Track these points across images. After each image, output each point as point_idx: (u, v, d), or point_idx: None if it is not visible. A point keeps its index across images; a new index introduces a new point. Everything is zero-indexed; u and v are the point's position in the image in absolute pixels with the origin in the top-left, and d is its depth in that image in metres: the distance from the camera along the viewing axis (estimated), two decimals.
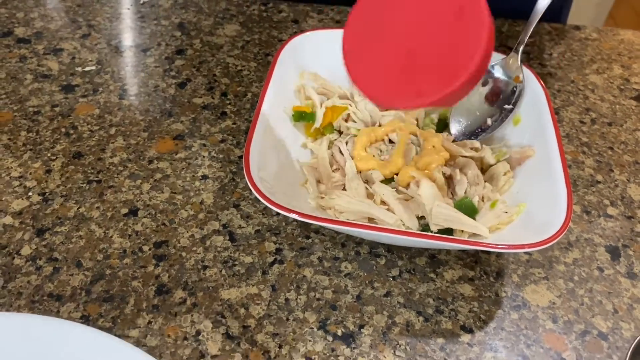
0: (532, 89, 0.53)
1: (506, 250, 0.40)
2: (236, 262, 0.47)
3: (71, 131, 0.56)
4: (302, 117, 0.53)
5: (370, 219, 0.47)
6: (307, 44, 0.56)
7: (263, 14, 0.72)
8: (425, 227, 0.46)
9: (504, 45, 0.69)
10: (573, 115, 0.62)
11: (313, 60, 0.56)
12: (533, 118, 0.51)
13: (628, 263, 0.49)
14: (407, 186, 0.48)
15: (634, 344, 0.39)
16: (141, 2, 0.73)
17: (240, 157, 0.55)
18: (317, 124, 0.53)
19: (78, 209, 0.50)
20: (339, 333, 0.43)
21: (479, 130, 0.53)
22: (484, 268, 0.48)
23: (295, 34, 0.58)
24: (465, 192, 0.48)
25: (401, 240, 0.45)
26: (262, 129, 0.47)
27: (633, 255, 0.49)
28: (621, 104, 0.64)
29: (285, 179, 0.49)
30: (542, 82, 0.52)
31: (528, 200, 0.46)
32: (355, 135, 0.52)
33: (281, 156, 0.50)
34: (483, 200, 0.48)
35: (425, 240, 0.42)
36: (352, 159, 0.50)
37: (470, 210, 0.46)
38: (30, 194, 0.50)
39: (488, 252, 0.48)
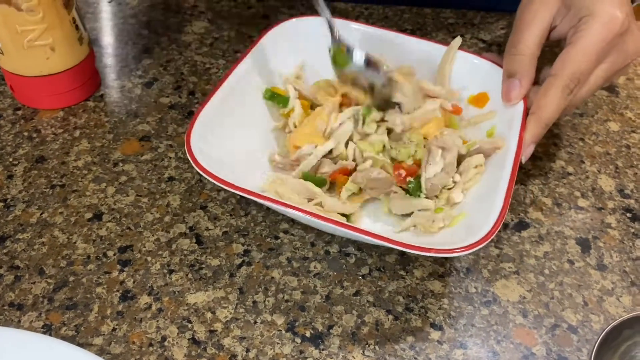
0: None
1: (435, 254, 0.39)
2: (203, 266, 0.46)
3: (34, 135, 0.55)
4: (273, 97, 0.52)
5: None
6: (299, 29, 0.55)
7: (232, 10, 0.71)
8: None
9: (475, 38, 0.69)
10: None
11: (303, 45, 0.55)
12: (505, 110, 0.50)
13: (598, 255, 0.49)
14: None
15: (601, 336, 0.39)
16: (108, 0, 0.71)
17: None
18: (290, 108, 0.52)
19: (41, 214, 0.48)
20: (308, 335, 0.42)
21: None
22: (454, 264, 0.47)
23: (279, 20, 0.56)
24: (434, 175, 0.47)
25: (327, 227, 0.44)
26: (220, 102, 0.47)
27: (603, 247, 0.49)
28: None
29: (246, 159, 0.48)
30: None
31: (476, 199, 0.46)
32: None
33: (244, 134, 0.49)
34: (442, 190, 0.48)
35: (345, 230, 0.40)
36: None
37: (416, 189, 0.47)
38: None
39: None
